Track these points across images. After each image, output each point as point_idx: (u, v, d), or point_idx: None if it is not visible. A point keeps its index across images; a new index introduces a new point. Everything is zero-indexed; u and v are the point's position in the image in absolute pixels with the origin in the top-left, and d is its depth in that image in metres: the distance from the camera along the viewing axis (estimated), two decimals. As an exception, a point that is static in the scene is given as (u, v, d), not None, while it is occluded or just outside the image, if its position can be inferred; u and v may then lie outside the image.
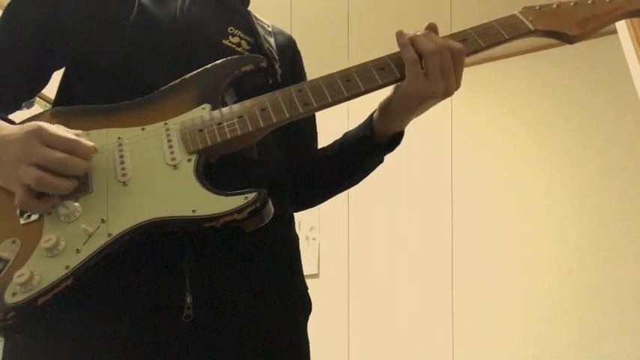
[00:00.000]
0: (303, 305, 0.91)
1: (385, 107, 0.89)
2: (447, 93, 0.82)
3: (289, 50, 1.07)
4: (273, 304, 0.83)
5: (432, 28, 0.85)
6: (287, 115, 0.79)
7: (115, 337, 0.72)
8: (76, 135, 0.73)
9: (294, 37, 1.10)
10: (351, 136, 0.95)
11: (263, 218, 0.71)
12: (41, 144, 0.69)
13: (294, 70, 1.06)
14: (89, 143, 0.73)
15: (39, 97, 2.39)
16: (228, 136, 0.77)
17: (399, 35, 0.83)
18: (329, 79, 0.82)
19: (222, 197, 0.71)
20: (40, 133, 0.70)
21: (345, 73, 0.83)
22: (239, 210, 0.69)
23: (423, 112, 0.87)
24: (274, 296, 0.83)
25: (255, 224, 0.71)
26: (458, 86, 0.83)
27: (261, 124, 0.78)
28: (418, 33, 0.83)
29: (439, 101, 0.84)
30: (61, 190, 0.70)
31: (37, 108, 2.15)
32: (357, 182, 1.02)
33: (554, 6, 0.88)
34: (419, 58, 0.80)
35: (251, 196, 0.70)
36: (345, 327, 2.92)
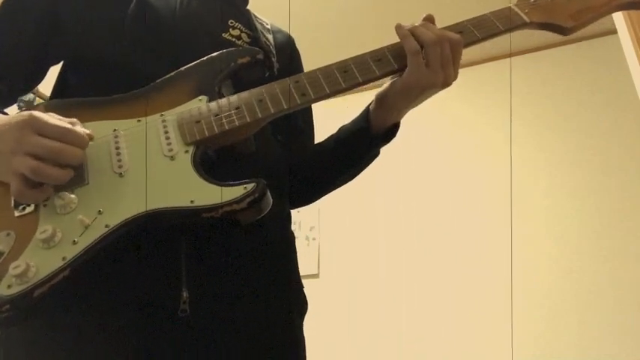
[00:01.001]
0: (298, 303, 0.90)
1: (383, 98, 0.89)
2: (446, 83, 0.83)
3: (288, 49, 1.07)
4: (269, 302, 0.82)
5: (429, 20, 0.86)
6: (285, 106, 0.79)
7: (110, 330, 0.72)
8: (71, 123, 0.72)
9: (293, 35, 1.10)
10: (347, 130, 0.96)
11: (261, 209, 0.71)
12: (35, 133, 0.68)
13: (293, 68, 1.05)
14: (84, 130, 0.72)
15: (38, 96, 2.38)
16: (226, 127, 0.76)
17: (399, 27, 0.84)
18: (326, 71, 0.82)
19: (220, 187, 0.70)
20: (33, 122, 0.68)
21: (342, 64, 0.83)
22: (238, 200, 0.69)
23: (419, 103, 0.88)
24: (270, 293, 0.83)
25: (254, 215, 0.71)
26: (455, 77, 0.84)
27: (259, 115, 0.78)
28: (417, 24, 0.84)
29: (437, 92, 0.84)
30: (56, 179, 0.68)
31: (37, 107, 2.14)
32: (353, 177, 1.01)
33: None
34: (420, 49, 0.81)
35: (250, 186, 0.70)
36: (345, 327, 2.92)
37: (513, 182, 2.93)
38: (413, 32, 0.82)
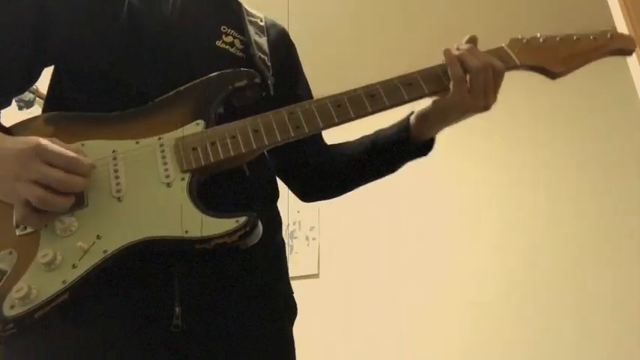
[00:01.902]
0: (288, 310, 0.92)
1: (424, 116, 0.93)
2: (487, 107, 0.87)
3: (282, 45, 1.07)
4: (259, 310, 0.84)
5: (473, 41, 0.89)
6: (278, 138, 0.81)
7: (104, 346, 0.74)
8: (74, 151, 0.73)
9: (292, 27, 1.11)
10: (386, 137, 0.98)
11: (252, 241, 0.73)
12: (41, 162, 0.69)
13: (289, 63, 1.07)
14: (88, 160, 0.74)
15: (38, 96, 2.38)
16: (222, 157, 0.78)
17: (447, 52, 0.87)
18: (320, 104, 0.84)
19: (213, 219, 0.72)
20: (39, 150, 0.70)
21: (335, 98, 0.84)
22: (229, 233, 0.71)
23: (457, 123, 0.92)
24: (261, 302, 0.85)
25: (245, 245, 0.73)
26: (495, 101, 0.88)
27: (254, 146, 0.79)
28: (461, 47, 0.87)
29: (477, 114, 0.88)
30: (60, 207, 0.71)
31: (37, 108, 2.15)
32: (375, 180, 1.06)
33: (541, 40, 0.90)
34: (464, 75, 0.84)
35: (242, 220, 0.72)
36: (344, 327, 2.94)
37: (513, 183, 2.94)
38: (460, 59, 0.85)
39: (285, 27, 1.12)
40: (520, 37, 0.90)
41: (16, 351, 0.77)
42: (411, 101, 0.87)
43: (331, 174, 1.05)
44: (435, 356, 2.74)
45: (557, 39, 0.89)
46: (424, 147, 0.96)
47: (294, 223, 2.91)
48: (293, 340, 0.91)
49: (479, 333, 2.70)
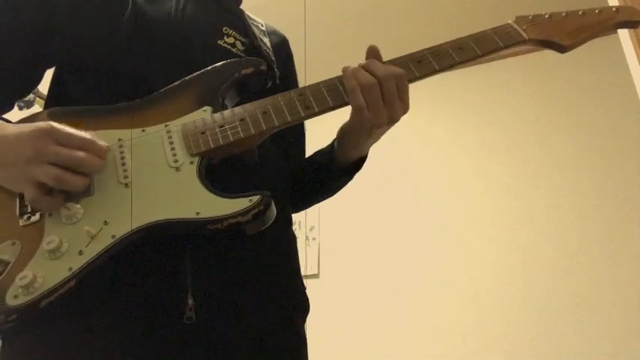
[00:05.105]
0: (301, 305, 0.91)
1: (341, 137, 0.93)
2: (392, 120, 0.82)
3: (283, 51, 1.08)
4: (272, 305, 0.83)
5: (372, 53, 0.86)
6: (289, 119, 0.80)
7: (115, 337, 0.72)
8: (89, 134, 0.73)
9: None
10: (317, 161, 1.00)
11: (266, 221, 0.72)
12: (55, 143, 0.69)
13: (287, 70, 1.07)
14: (103, 143, 0.74)
15: (38, 96, 2.36)
16: (231, 139, 0.77)
17: (344, 70, 0.84)
18: (330, 83, 0.83)
19: (225, 199, 0.71)
20: (53, 132, 0.69)
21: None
22: (243, 212, 0.69)
23: (378, 139, 0.89)
24: (274, 297, 0.84)
25: (258, 227, 0.72)
26: (405, 110, 0.83)
27: (263, 127, 0.78)
28: (362, 63, 0.84)
29: (388, 128, 0.85)
30: (78, 186, 0.70)
31: (37, 108, 2.13)
32: (331, 195, 1.06)
33: (547, 16, 0.90)
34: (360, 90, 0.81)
35: (255, 198, 0.71)
36: (345, 327, 2.92)
37: (513, 182, 2.93)
38: (354, 74, 0.82)
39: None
40: (526, 15, 0.91)
41: (20, 346, 0.76)
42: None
43: (295, 187, 1.04)
44: (436, 355, 2.72)
45: (563, 14, 0.90)
46: (352, 167, 0.96)
47: (294, 223, 2.92)
48: (305, 337, 0.90)
49: (480, 329, 2.69)
